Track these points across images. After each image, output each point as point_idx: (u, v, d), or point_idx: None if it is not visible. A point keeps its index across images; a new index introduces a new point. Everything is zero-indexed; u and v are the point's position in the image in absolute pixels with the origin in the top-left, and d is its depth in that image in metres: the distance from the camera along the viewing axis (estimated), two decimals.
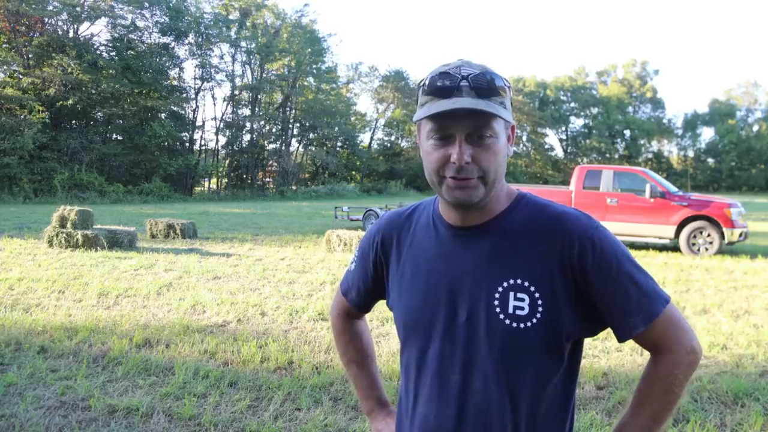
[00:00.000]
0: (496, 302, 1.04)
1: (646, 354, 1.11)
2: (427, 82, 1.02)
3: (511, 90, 1.07)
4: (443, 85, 0.99)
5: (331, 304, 1.43)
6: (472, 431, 1.05)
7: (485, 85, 0.99)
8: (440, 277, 1.10)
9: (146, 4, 33.45)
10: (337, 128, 45.00)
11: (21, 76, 29.18)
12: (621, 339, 1.07)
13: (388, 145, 52.14)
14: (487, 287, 1.05)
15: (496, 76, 1.01)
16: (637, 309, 1.03)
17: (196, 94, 38.06)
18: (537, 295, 1.03)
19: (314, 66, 42.64)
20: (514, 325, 1.02)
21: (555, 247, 1.03)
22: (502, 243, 1.06)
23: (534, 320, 1.02)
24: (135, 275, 7.64)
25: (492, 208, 1.08)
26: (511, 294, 1.03)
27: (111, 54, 33.44)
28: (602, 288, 1.02)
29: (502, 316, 1.03)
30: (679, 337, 1.06)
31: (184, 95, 37.30)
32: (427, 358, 1.10)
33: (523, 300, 1.03)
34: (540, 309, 1.02)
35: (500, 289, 1.04)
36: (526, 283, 1.03)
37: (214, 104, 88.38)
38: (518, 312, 1.02)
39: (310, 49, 41.07)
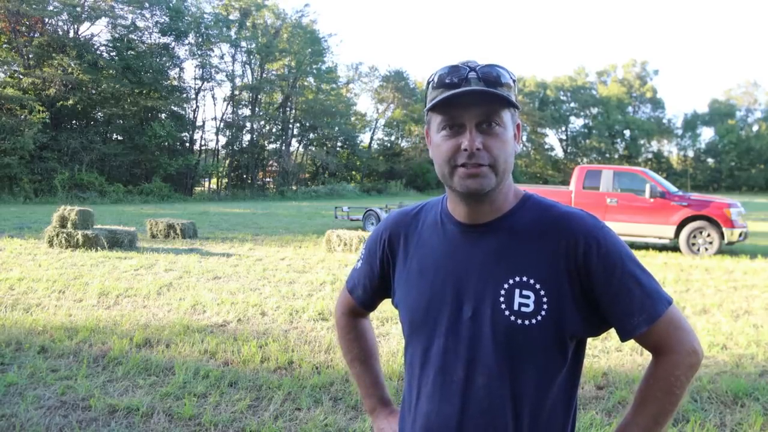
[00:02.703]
0: (502, 299, 1.05)
1: (647, 354, 1.12)
2: (435, 78, 1.04)
3: (516, 85, 1.09)
4: (451, 80, 1.02)
5: (335, 303, 1.44)
6: (474, 428, 1.05)
7: (492, 78, 1.02)
8: (447, 274, 1.10)
9: (146, 4, 33.47)
10: (337, 128, 44.99)
11: (21, 76, 29.18)
12: (623, 339, 1.08)
13: (388, 145, 52.14)
14: (493, 284, 1.06)
15: (503, 71, 1.04)
16: (640, 309, 1.04)
17: (196, 94, 38.10)
18: (542, 293, 1.03)
19: (314, 66, 42.63)
20: (519, 321, 1.03)
21: (560, 246, 1.04)
22: (509, 241, 1.08)
23: (539, 317, 1.03)
24: (135, 275, 7.64)
25: (500, 206, 1.10)
26: (517, 291, 1.04)
27: (111, 54, 33.44)
28: (606, 288, 1.03)
29: (507, 313, 1.04)
30: (680, 339, 1.07)
31: (184, 95, 37.30)
32: (431, 354, 1.11)
33: (528, 297, 1.04)
34: (545, 307, 1.03)
35: (506, 286, 1.05)
36: (532, 281, 1.04)
37: (214, 104, 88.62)
38: (523, 309, 1.03)
39: (310, 49, 41.06)
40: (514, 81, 1.06)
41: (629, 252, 1.07)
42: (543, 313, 1.03)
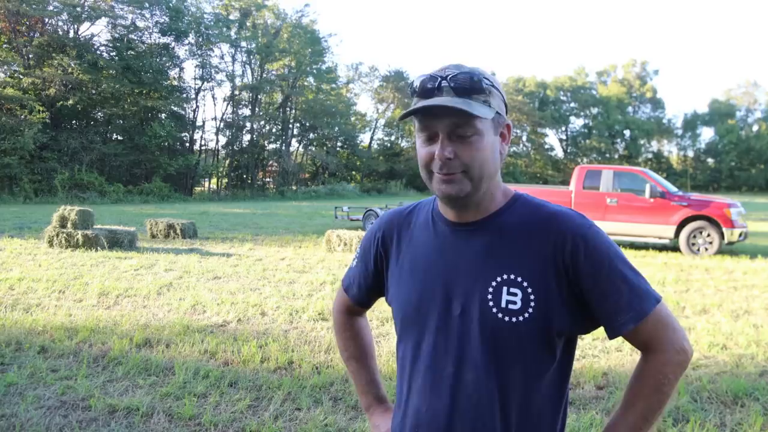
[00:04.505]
0: (490, 296, 1.06)
1: None
2: (415, 84, 1.07)
3: (500, 90, 1.10)
4: (425, 86, 1.05)
5: (333, 301, 1.46)
6: (463, 423, 1.07)
7: (466, 84, 1.03)
8: (437, 272, 1.12)
9: (146, 4, 33.43)
10: (337, 128, 44.99)
11: (21, 76, 29.15)
12: (611, 336, 1.09)
13: (388, 145, 52.14)
14: (481, 282, 1.07)
15: (481, 76, 1.04)
16: (628, 307, 1.05)
17: (196, 94, 38.07)
18: (530, 290, 1.05)
19: (314, 66, 42.62)
20: (506, 318, 1.05)
21: (548, 245, 1.06)
22: (498, 239, 1.09)
23: (526, 315, 1.04)
24: (135, 275, 7.64)
25: (488, 206, 1.11)
26: (504, 288, 1.06)
27: (111, 54, 33.42)
28: (593, 286, 1.04)
29: (494, 310, 1.05)
30: (669, 337, 1.07)
31: (185, 95, 37.27)
32: (422, 351, 1.13)
33: (515, 294, 1.05)
34: (532, 304, 1.04)
35: (494, 283, 1.06)
36: (519, 279, 1.05)
37: (214, 104, 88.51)
38: (510, 306, 1.05)
39: (310, 50, 41.06)
40: (494, 86, 1.06)
41: (617, 250, 1.08)
42: (530, 310, 1.04)
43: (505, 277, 1.06)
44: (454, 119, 1.02)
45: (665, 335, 1.07)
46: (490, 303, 1.06)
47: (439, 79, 1.03)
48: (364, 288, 1.33)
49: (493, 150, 1.07)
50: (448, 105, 1.01)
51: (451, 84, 1.03)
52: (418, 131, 1.07)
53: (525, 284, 1.05)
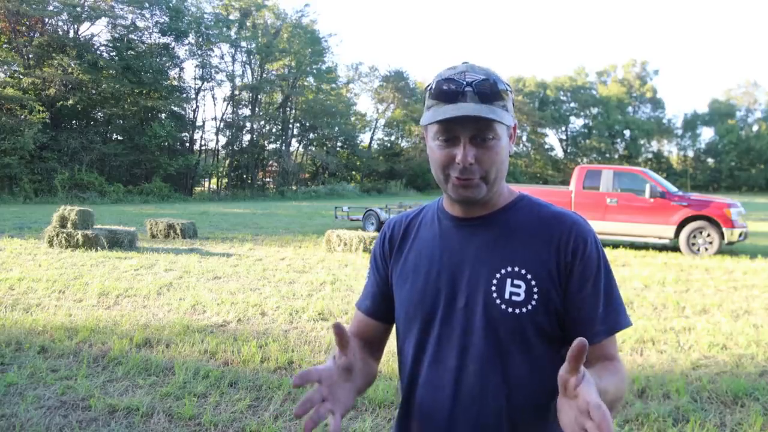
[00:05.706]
0: (494, 288, 1.08)
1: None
2: (433, 87, 1.07)
3: (513, 92, 1.12)
4: (449, 90, 1.04)
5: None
6: (466, 415, 1.08)
7: (488, 90, 1.04)
8: (441, 266, 1.13)
9: (146, 4, 33.46)
10: (337, 128, 45.01)
11: (21, 76, 29.18)
12: None
13: (388, 145, 52.15)
14: (485, 274, 1.09)
15: (499, 81, 1.06)
16: (604, 319, 1.07)
17: (196, 94, 38.11)
18: (533, 282, 1.06)
19: (314, 66, 42.65)
20: (510, 310, 1.06)
21: (552, 240, 1.08)
22: (503, 233, 1.11)
23: (529, 306, 1.06)
24: (135, 275, 7.64)
25: (494, 202, 1.14)
26: (509, 280, 1.07)
27: (111, 54, 33.45)
28: (578, 288, 1.07)
29: (498, 302, 1.07)
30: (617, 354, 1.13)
31: (185, 95, 37.31)
32: (425, 344, 1.14)
33: (519, 286, 1.06)
34: (535, 296, 1.06)
35: (498, 275, 1.08)
36: (523, 271, 1.07)
37: (214, 104, 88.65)
38: (514, 298, 1.06)
39: (310, 50, 41.08)
40: (509, 90, 1.09)
41: (609, 264, 1.12)
42: (533, 302, 1.06)
43: (509, 269, 1.08)
44: (477, 125, 1.04)
45: (616, 350, 1.13)
46: (494, 294, 1.07)
47: (464, 84, 1.04)
48: (378, 296, 1.27)
49: (507, 153, 1.10)
50: (477, 115, 1.01)
51: (475, 90, 1.04)
52: (437, 134, 1.07)
53: (528, 276, 1.06)
